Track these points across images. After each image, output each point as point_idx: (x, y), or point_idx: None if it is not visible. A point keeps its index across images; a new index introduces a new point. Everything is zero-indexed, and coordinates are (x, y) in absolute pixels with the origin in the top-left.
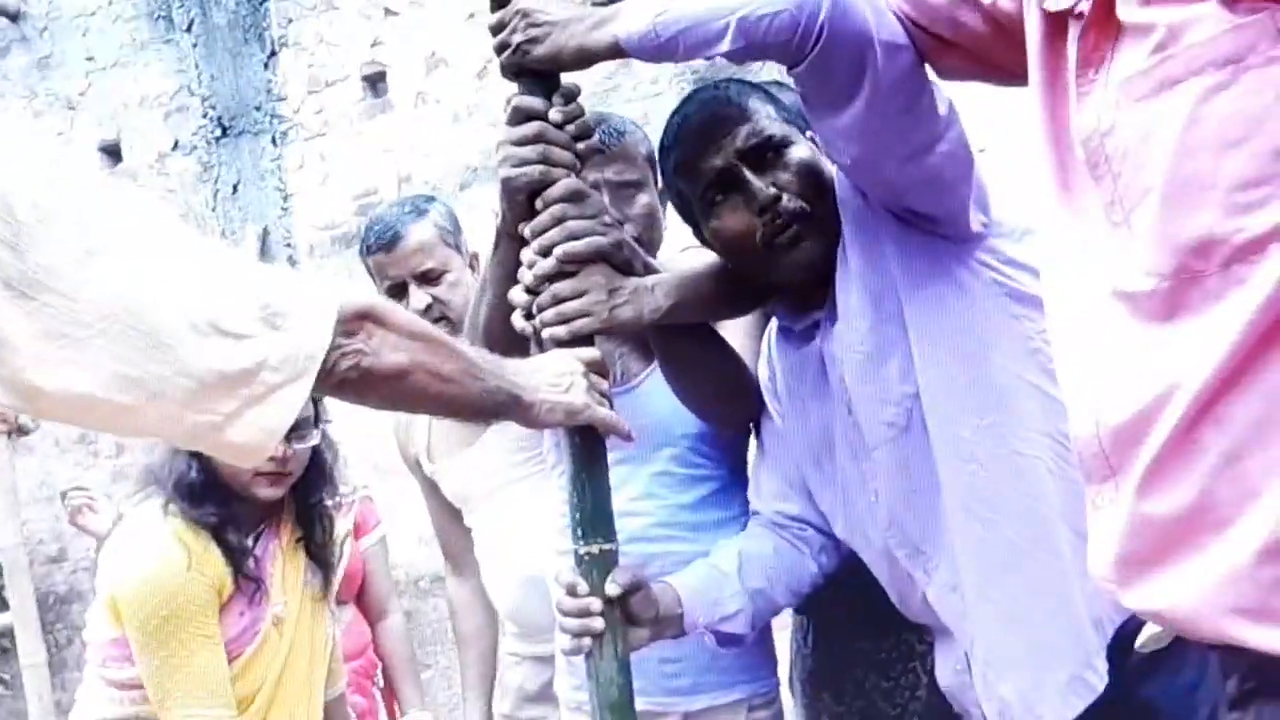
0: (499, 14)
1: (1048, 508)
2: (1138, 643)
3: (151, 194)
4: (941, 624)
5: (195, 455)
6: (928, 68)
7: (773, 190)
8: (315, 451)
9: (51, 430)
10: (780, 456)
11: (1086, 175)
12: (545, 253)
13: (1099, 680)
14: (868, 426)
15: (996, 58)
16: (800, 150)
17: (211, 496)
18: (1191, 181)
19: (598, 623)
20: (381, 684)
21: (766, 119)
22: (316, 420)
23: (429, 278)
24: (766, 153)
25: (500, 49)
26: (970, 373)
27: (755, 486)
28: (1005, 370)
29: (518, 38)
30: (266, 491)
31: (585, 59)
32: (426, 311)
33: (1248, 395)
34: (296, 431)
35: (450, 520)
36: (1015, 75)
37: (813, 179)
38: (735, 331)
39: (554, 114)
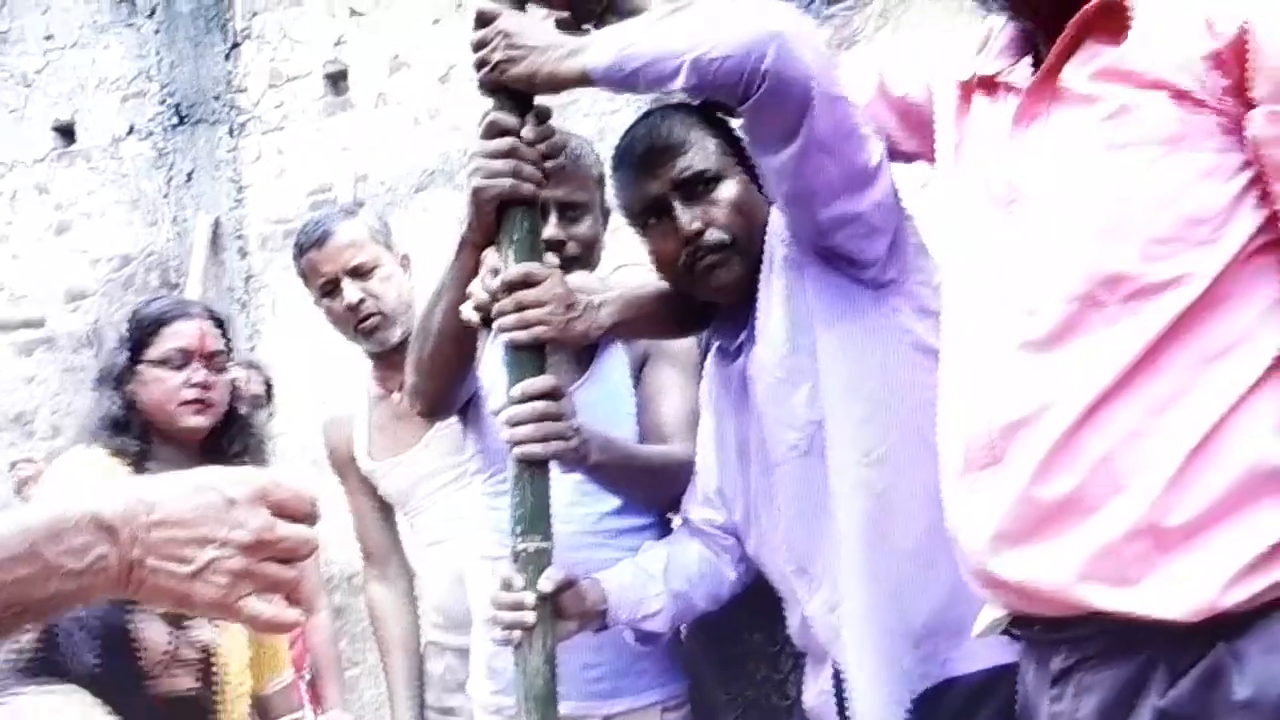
0: (482, 32)
1: (919, 545)
2: (975, 632)
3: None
4: (815, 648)
5: (120, 393)
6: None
7: (697, 225)
8: (240, 428)
9: None
10: (709, 467)
11: (994, 209)
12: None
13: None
14: (773, 445)
15: (897, 141)
16: (730, 187)
17: (132, 430)
18: (1118, 226)
19: (530, 617)
20: (309, 677)
21: (702, 153)
22: (229, 352)
23: (360, 272)
24: (698, 185)
25: (479, 65)
26: (866, 411)
27: (689, 492)
28: (897, 413)
29: (497, 55)
30: (193, 420)
31: (556, 84)
32: (360, 305)
33: (1125, 408)
34: (213, 361)
35: (378, 520)
36: (909, 156)
37: (739, 213)
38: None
39: (526, 132)
